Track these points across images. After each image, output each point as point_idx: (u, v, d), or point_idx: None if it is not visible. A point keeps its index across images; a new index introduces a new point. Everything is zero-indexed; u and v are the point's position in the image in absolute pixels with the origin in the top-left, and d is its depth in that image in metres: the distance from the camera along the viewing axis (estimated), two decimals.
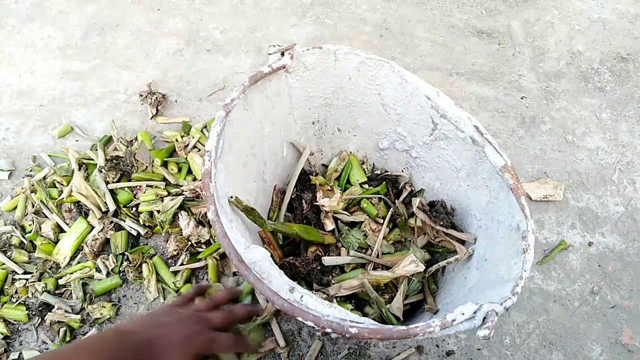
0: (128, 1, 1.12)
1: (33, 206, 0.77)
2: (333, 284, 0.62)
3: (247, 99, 0.55)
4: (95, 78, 0.98)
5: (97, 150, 0.83)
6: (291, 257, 0.63)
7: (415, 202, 0.65)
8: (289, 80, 0.60)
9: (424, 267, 0.60)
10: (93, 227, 0.75)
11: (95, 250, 0.71)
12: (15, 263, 0.71)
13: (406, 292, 0.62)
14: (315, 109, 0.68)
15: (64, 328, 0.66)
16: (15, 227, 0.75)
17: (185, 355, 0.45)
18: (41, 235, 0.73)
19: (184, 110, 0.94)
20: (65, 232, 0.74)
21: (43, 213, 0.76)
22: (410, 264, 0.59)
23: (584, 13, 1.17)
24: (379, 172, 0.77)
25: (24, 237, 0.74)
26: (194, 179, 0.80)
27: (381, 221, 0.69)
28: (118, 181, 0.78)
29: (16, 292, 0.69)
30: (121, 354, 0.41)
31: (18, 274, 0.71)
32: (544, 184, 0.85)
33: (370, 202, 0.70)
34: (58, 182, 0.79)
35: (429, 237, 0.67)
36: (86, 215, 0.76)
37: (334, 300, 0.61)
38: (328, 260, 0.63)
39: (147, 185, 0.78)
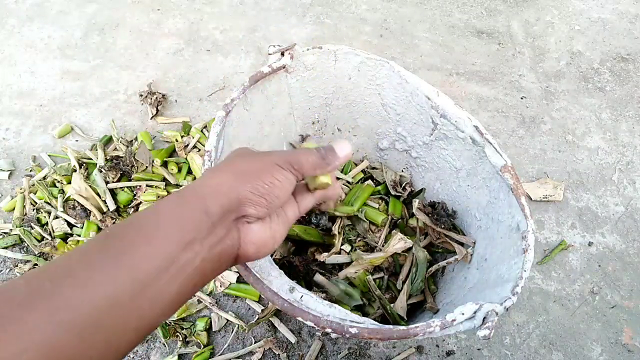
0: (128, 1, 1.12)
1: (34, 205, 0.77)
2: (319, 287, 0.61)
3: (247, 99, 0.55)
4: (95, 78, 0.98)
5: (97, 150, 0.83)
6: (291, 257, 0.63)
7: (415, 203, 0.65)
8: (289, 80, 0.60)
9: (411, 243, 0.62)
10: (101, 229, 0.75)
11: None
12: None
13: (409, 291, 0.62)
14: (315, 109, 0.68)
15: None
16: (31, 227, 0.75)
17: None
18: (52, 236, 0.74)
19: (184, 110, 0.94)
20: (73, 227, 0.75)
21: (47, 211, 0.76)
22: (399, 242, 0.61)
23: (584, 13, 1.17)
24: None
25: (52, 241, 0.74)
26: (194, 179, 0.80)
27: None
28: (118, 181, 0.78)
29: None
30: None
31: None
32: (544, 184, 0.85)
33: (371, 206, 0.70)
34: (58, 182, 0.79)
35: (431, 238, 0.67)
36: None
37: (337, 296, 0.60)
38: (329, 260, 0.63)
39: (147, 185, 0.78)
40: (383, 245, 0.65)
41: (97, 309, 0.23)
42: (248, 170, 0.32)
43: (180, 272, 0.27)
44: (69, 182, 0.78)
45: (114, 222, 0.75)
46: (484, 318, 0.40)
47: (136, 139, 0.86)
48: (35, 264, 0.73)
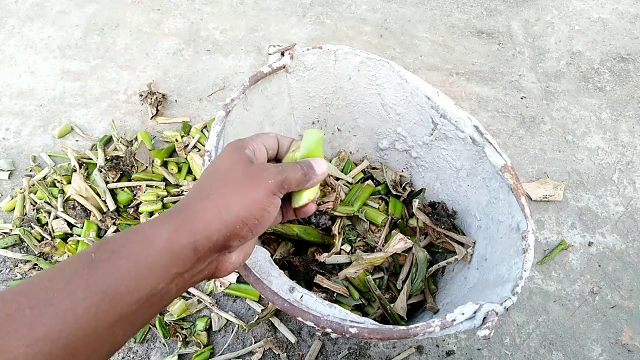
0: (128, 1, 1.12)
1: (34, 205, 0.77)
2: (318, 287, 0.61)
3: (247, 99, 0.55)
4: (95, 78, 0.98)
5: (97, 150, 0.83)
6: (291, 257, 0.63)
7: (415, 203, 0.65)
8: (289, 80, 0.60)
9: (411, 243, 0.62)
10: (101, 229, 0.75)
11: None
12: None
13: (409, 291, 0.62)
14: (315, 109, 0.68)
15: None
16: (31, 227, 0.75)
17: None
18: (52, 236, 0.74)
19: (184, 110, 0.94)
20: (73, 227, 0.76)
21: (47, 211, 0.76)
22: (399, 242, 0.61)
23: (584, 13, 1.17)
24: None
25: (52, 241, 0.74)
26: (194, 179, 0.80)
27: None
28: (118, 181, 0.78)
29: None
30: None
31: None
32: (544, 184, 0.85)
33: (371, 206, 0.70)
34: (58, 182, 0.79)
35: (430, 238, 0.67)
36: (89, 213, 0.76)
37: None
38: (329, 260, 0.63)
39: (147, 185, 0.78)
40: (383, 246, 0.65)
41: (76, 339, 0.24)
42: (240, 201, 0.31)
43: (158, 301, 0.28)
44: (69, 182, 0.78)
45: (113, 222, 0.75)
46: (484, 318, 0.40)
47: (136, 139, 0.86)
48: (35, 264, 0.73)
